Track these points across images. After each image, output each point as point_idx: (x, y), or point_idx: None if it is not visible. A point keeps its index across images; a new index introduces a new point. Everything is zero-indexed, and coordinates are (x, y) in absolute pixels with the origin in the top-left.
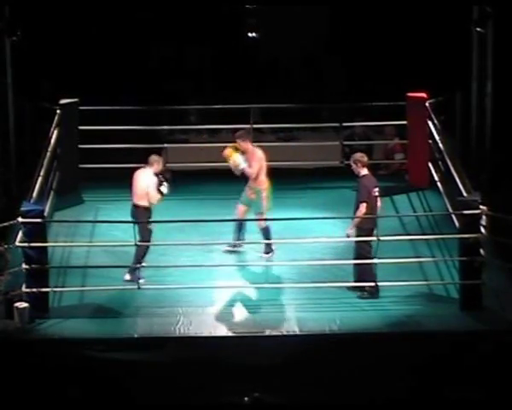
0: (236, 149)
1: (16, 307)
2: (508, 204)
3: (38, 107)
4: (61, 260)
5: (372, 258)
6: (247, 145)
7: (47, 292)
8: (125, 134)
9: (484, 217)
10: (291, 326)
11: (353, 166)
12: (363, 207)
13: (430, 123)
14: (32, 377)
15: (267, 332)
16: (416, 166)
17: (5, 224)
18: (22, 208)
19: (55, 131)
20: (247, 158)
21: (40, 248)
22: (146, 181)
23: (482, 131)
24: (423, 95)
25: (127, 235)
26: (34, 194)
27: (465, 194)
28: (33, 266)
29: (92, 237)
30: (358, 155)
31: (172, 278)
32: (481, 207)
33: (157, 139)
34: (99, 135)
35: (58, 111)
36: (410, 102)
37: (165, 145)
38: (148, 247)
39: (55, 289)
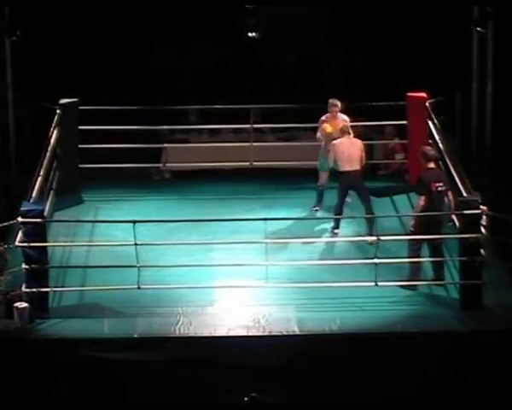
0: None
1: (16, 307)
2: (508, 204)
3: (38, 107)
4: (61, 260)
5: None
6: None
7: (47, 292)
8: (125, 134)
9: (484, 217)
10: (291, 326)
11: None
12: (421, 200)
13: (430, 123)
14: (31, 377)
15: (267, 332)
16: (416, 166)
17: (5, 224)
18: (22, 208)
19: (55, 131)
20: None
21: (40, 248)
22: (361, 146)
23: (482, 131)
24: (423, 95)
25: (127, 235)
26: (34, 194)
27: (465, 194)
28: (33, 266)
29: (92, 237)
30: (424, 149)
31: (172, 278)
32: (481, 207)
33: (157, 139)
34: (99, 135)
35: (58, 111)
36: (410, 102)
37: (165, 145)
38: (343, 203)
39: (55, 289)
